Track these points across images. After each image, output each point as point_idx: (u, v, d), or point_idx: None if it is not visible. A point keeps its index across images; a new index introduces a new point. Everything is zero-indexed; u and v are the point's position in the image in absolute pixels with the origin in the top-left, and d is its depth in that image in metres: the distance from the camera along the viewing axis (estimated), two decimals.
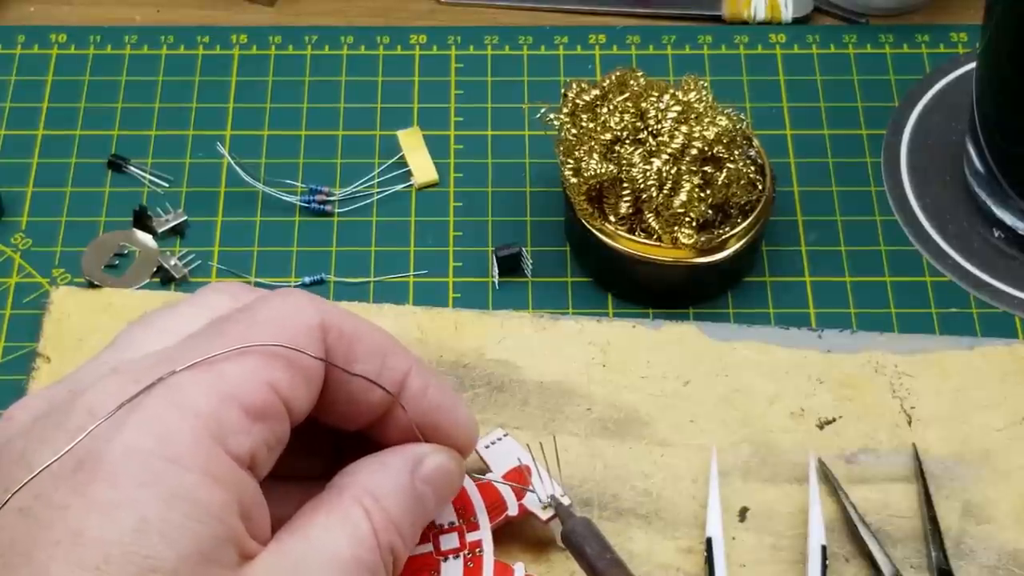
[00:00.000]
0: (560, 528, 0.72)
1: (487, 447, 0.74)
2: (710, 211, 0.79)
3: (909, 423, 0.77)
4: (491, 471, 0.73)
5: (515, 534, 0.72)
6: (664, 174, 0.78)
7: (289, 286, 0.84)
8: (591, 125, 0.80)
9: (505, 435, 0.74)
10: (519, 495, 0.71)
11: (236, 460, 0.52)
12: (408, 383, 0.59)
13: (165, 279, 0.84)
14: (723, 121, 0.79)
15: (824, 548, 0.71)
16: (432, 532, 0.70)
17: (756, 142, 0.83)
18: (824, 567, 0.71)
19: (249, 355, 0.53)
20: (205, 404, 0.52)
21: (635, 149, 0.78)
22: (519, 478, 0.72)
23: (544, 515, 0.71)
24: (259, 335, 0.54)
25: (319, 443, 0.63)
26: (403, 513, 0.58)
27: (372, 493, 0.57)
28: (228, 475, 0.52)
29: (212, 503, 0.50)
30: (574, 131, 0.80)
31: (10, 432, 0.53)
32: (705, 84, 0.81)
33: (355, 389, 0.58)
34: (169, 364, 0.53)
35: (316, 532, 0.55)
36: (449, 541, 0.70)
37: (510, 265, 0.84)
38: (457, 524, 0.71)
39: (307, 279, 0.84)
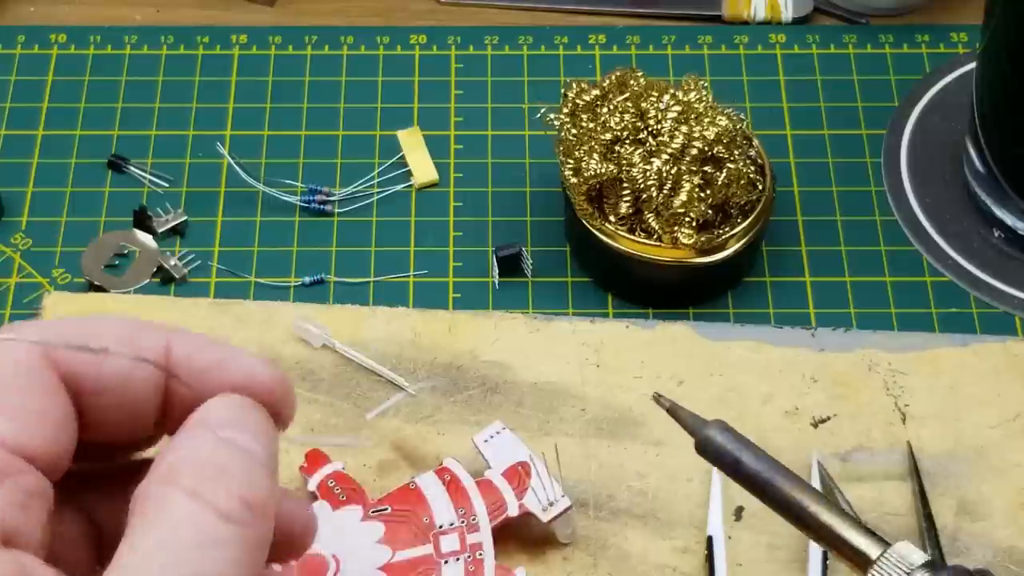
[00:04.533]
0: (561, 529, 0.72)
1: (486, 441, 0.74)
2: (710, 211, 0.79)
3: (903, 421, 0.77)
4: (490, 467, 0.73)
5: (512, 534, 0.72)
6: (664, 174, 0.78)
7: (289, 286, 0.84)
8: (591, 125, 0.80)
9: (504, 428, 0.74)
10: (519, 494, 0.71)
11: None
12: (172, 354, 0.50)
13: (165, 279, 0.84)
14: (723, 121, 0.78)
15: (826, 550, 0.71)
16: (433, 533, 0.70)
17: (756, 142, 0.83)
18: (825, 568, 0.70)
19: None
20: None
21: (635, 149, 0.78)
22: (518, 476, 0.72)
23: (544, 516, 0.71)
24: None
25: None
26: (220, 473, 0.47)
27: (178, 471, 0.46)
28: None
29: None
30: (574, 131, 0.80)
31: None
32: (705, 84, 0.81)
33: (119, 390, 0.48)
34: None
35: (141, 542, 0.44)
36: (450, 543, 0.70)
37: (510, 265, 0.84)
38: (457, 525, 0.71)
39: (307, 279, 0.84)
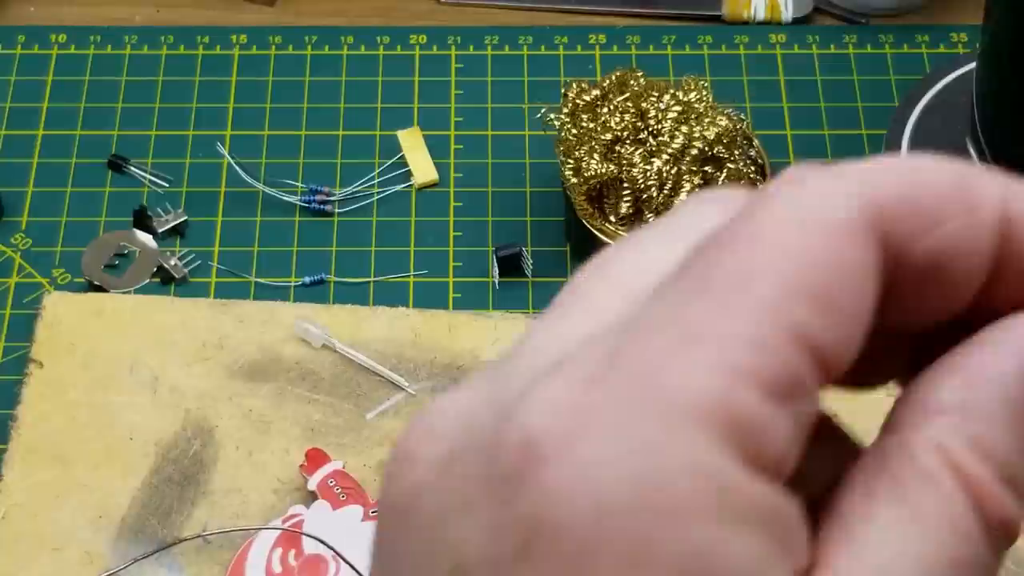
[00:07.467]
0: None
1: None
2: None
3: None
4: None
5: None
6: (664, 174, 0.78)
7: (289, 286, 0.84)
8: (591, 125, 0.80)
9: None
10: None
11: (767, 477, 0.28)
12: (1013, 211, 0.32)
13: (165, 279, 0.84)
14: (723, 121, 0.78)
15: None
16: None
17: (756, 142, 0.83)
18: None
19: (754, 301, 0.28)
20: (706, 400, 0.28)
21: (635, 149, 0.78)
22: None
23: None
24: (764, 284, 0.28)
25: None
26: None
27: (965, 438, 0.29)
28: (765, 513, 0.28)
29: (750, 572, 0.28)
30: (574, 131, 0.80)
31: (412, 484, 0.29)
32: (705, 84, 0.81)
33: (942, 264, 0.31)
34: (630, 355, 0.28)
35: (884, 537, 0.29)
36: None
37: (510, 265, 0.84)
38: None
39: (307, 279, 0.84)
